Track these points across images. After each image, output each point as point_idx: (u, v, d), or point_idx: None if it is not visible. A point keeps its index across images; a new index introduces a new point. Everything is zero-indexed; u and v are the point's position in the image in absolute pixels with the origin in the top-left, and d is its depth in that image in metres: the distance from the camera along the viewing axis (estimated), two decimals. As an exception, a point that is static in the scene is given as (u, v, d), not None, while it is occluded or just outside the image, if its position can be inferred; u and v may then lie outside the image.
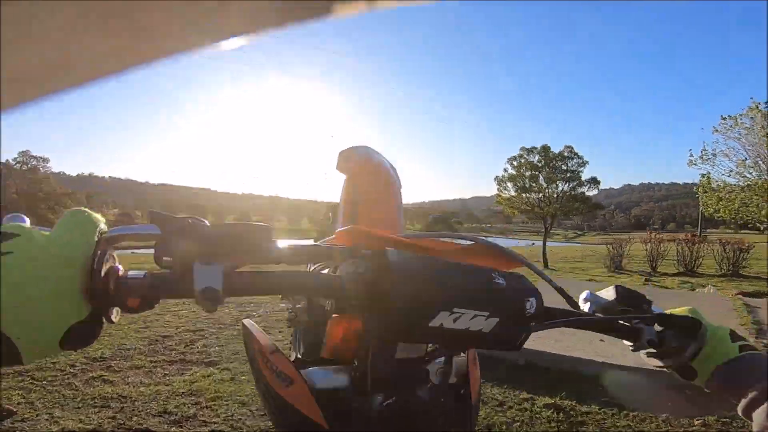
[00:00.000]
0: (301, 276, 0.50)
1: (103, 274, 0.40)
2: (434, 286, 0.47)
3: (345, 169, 1.16)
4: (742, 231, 39.48)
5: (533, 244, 43.82)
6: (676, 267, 10.39)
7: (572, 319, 0.58)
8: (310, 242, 0.59)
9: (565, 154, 12.09)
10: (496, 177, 13.14)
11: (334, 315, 0.55)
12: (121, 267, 0.44)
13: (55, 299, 0.36)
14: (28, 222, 0.49)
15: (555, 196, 12.26)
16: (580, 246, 29.69)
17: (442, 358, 0.57)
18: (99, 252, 0.41)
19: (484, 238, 0.65)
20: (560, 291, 0.62)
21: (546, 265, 11.62)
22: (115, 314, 0.43)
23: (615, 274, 10.01)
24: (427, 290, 0.47)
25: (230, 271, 0.45)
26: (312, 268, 0.63)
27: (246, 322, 0.66)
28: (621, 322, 0.61)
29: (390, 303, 0.46)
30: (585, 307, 0.65)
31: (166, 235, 0.44)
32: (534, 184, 12.27)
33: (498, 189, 13.13)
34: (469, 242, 0.63)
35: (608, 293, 0.64)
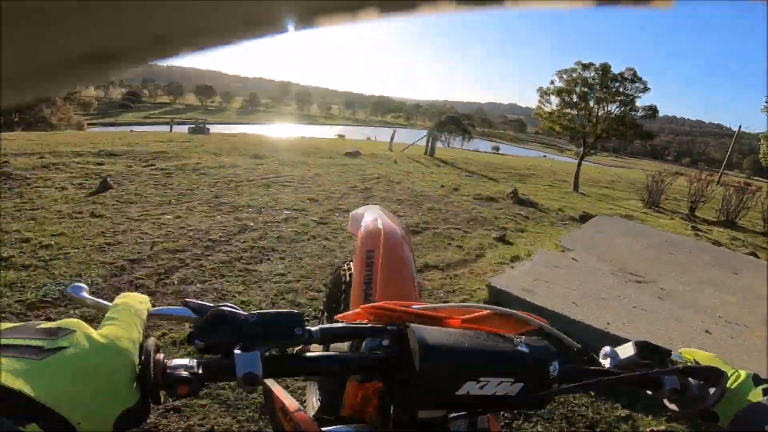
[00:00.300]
0: (331, 358, 0.53)
1: (151, 365, 0.44)
2: (460, 359, 0.49)
3: (356, 232, 1.25)
4: (755, 177, 39.08)
5: (545, 156, 44.30)
6: (716, 215, 9.46)
7: (595, 380, 0.57)
8: (339, 324, 0.59)
9: (626, 75, 10.63)
10: (540, 88, 11.68)
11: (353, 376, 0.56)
12: (163, 356, 0.46)
13: (108, 389, 0.40)
14: (86, 290, 0.57)
15: (603, 117, 10.95)
16: (591, 165, 28.72)
17: (464, 413, 0.57)
18: (145, 345, 0.45)
19: (500, 308, 0.64)
20: (581, 352, 0.64)
21: (576, 188, 10.67)
22: (163, 398, 0.45)
23: (652, 212, 9.13)
24: (453, 364, 0.49)
25: (267, 354, 0.49)
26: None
27: (267, 381, 0.68)
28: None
29: (417, 379, 0.48)
30: (606, 362, 0.65)
31: (201, 322, 0.49)
32: (583, 102, 10.90)
33: (539, 101, 11.78)
34: (487, 310, 0.63)
35: (628, 349, 0.64)
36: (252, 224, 4.03)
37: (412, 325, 0.52)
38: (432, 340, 0.50)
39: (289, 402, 0.63)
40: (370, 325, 0.58)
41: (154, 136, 11.24)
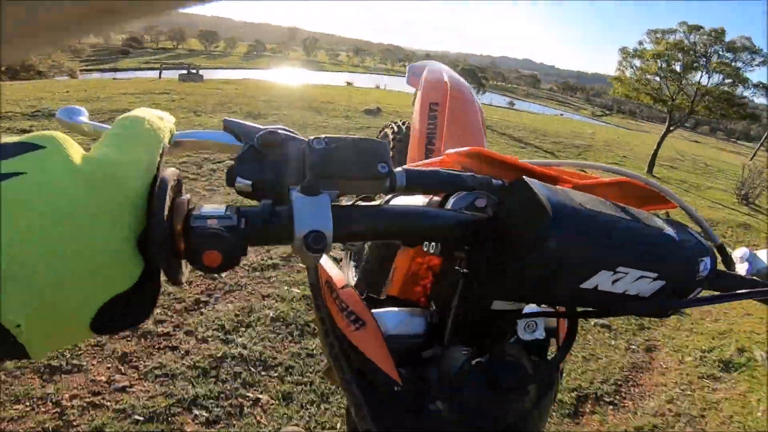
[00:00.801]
0: (425, 215, 0.37)
1: (165, 211, 0.26)
2: (604, 236, 0.33)
3: (417, 83, 1.07)
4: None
5: (561, 114, 42.09)
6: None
7: (746, 291, 0.39)
8: (430, 168, 0.43)
9: (742, 43, 8.47)
10: (623, 48, 9.42)
11: (403, 246, 0.45)
12: (188, 199, 0.29)
13: (86, 257, 0.22)
14: (86, 115, 0.41)
15: (704, 90, 8.85)
16: (603, 125, 26.72)
17: (532, 308, 0.44)
18: (161, 180, 0.26)
19: (630, 171, 0.47)
20: (720, 249, 0.46)
21: (650, 169, 8.90)
22: (184, 271, 0.29)
23: (750, 209, 7.31)
24: (594, 241, 0.33)
25: (335, 204, 0.33)
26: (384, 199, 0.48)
27: None
28: None
29: (538, 254, 0.32)
30: (741, 268, 0.49)
31: (247, 151, 0.35)
32: (687, 71, 8.79)
33: (620, 64, 9.54)
34: (612, 174, 0.47)
35: None
36: (224, 274, 2.17)
37: (529, 179, 0.35)
38: (564, 204, 0.33)
39: (336, 275, 0.51)
40: (470, 173, 0.42)
41: (132, 84, 9.17)
